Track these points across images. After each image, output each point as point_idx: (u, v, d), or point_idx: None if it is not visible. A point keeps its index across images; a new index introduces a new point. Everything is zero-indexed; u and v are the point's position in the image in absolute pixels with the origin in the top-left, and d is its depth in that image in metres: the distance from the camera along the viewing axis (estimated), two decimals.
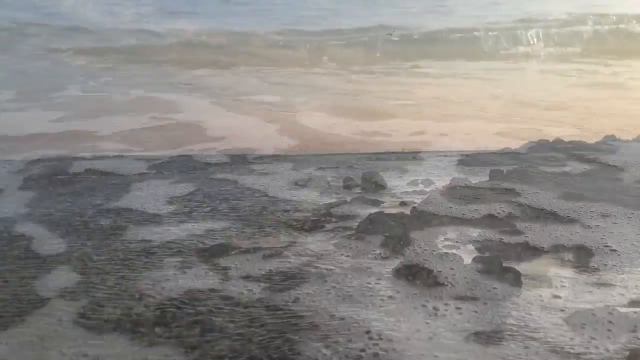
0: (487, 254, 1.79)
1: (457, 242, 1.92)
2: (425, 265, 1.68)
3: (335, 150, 3.31)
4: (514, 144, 3.41)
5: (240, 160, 3.00)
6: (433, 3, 12.63)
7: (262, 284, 1.59)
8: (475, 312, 1.47)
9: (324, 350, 1.28)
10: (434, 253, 1.78)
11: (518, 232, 1.98)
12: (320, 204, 2.31)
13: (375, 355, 1.27)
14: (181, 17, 10.65)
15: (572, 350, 1.32)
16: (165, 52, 7.93)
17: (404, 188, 2.53)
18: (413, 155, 3.10)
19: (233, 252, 1.82)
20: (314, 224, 2.09)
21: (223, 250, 1.83)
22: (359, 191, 2.49)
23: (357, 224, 2.06)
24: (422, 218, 2.09)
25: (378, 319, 1.43)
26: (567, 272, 1.72)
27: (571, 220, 2.06)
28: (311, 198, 2.39)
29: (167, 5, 11.80)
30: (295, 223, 2.10)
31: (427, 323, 1.41)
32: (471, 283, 1.60)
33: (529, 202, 2.24)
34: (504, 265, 1.69)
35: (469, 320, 1.43)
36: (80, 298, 1.51)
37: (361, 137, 3.70)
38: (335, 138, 3.66)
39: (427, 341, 1.33)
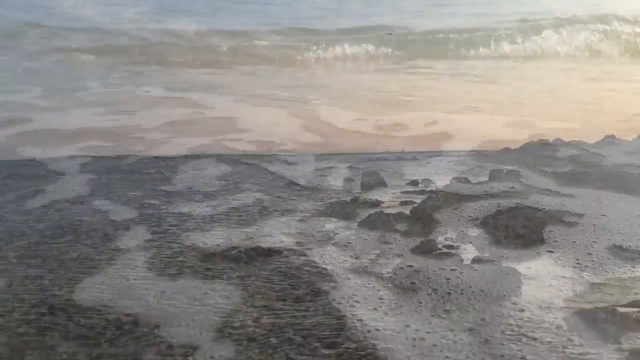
0: None
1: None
2: None
3: (356, 141, 3.55)
4: (518, 136, 3.51)
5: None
6: (434, 2, 12.67)
7: None
8: None
9: None
10: None
11: None
12: (319, 205, 2.32)
13: None
14: (181, 17, 10.66)
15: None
16: (167, 51, 7.95)
17: (404, 188, 2.53)
18: (413, 156, 3.10)
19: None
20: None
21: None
22: (359, 191, 2.49)
23: (357, 223, 2.06)
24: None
25: None
26: (568, 272, 1.72)
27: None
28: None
29: (166, 5, 11.82)
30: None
31: None
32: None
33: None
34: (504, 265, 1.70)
35: None
36: (152, 249, 1.84)
37: (379, 131, 3.88)
38: (356, 131, 3.88)
39: None
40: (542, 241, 1.90)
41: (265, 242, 1.94)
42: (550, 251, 1.84)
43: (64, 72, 6.70)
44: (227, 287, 1.59)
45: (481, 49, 8.41)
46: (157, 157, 3.11)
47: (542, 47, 8.50)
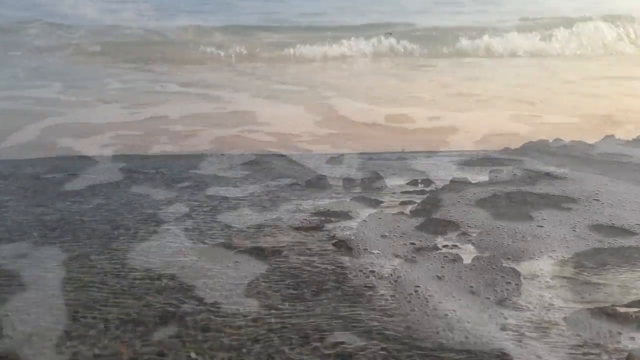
0: None
1: None
2: None
3: (367, 131, 3.78)
4: (519, 129, 3.66)
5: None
6: (437, 0, 12.71)
7: None
8: None
9: None
10: None
11: None
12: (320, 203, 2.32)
13: None
14: (182, 14, 10.69)
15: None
16: (173, 49, 7.96)
17: (403, 188, 2.53)
18: (413, 155, 3.11)
19: None
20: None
21: None
22: (359, 191, 2.49)
23: (357, 223, 2.07)
24: None
25: None
26: (568, 271, 1.72)
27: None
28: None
29: (166, 3, 11.85)
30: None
31: None
32: None
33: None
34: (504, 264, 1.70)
35: None
36: (188, 220, 2.14)
37: (388, 122, 4.11)
38: (368, 121, 4.11)
39: None
40: (531, 218, 2.04)
41: (265, 242, 1.94)
42: (540, 226, 1.99)
43: (77, 69, 6.79)
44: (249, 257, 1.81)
45: (483, 47, 8.40)
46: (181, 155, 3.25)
47: (545, 45, 8.48)
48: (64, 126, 3.90)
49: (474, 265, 1.72)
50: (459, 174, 2.65)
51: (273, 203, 2.34)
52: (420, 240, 1.92)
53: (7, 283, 1.61)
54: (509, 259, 1.80)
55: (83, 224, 2.10)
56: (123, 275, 1.67)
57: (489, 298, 1.53)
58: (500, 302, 1.50)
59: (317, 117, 4.19)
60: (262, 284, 1.64)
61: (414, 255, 1.81)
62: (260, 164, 2.93)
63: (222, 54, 7.84)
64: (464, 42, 8.42)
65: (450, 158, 3.06)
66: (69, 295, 1.54)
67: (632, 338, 1.38)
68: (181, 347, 1.30)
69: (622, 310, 1.48)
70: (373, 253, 1.86)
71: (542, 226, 1.99)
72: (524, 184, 2.46)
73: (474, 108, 4.59)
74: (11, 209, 2.26)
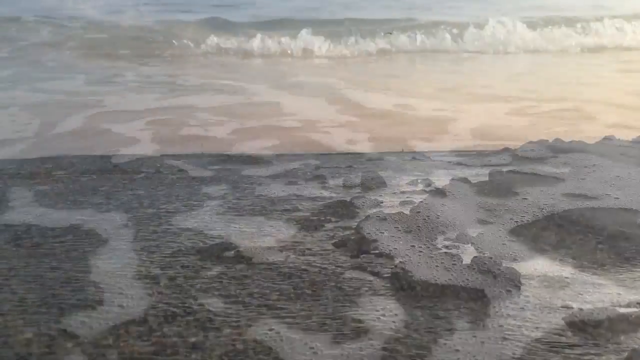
0: None
1: None
2: None
3: (382, 119, 4.09)
4: (519, 123, 3.88)
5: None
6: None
7: None
8: None
9: None
10: None
11: None
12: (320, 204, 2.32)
13: None
14: (180, 14, 10.70)
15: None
16: (179, 44, 7.98)
17: (403, 188, 2.53)
18: (413, 155, 3.10)
19: None
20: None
21: None
22: (359, 191, 2.49)
23: (356, 223, 2.07)
24: None
25: None
26: (568, 271, 1.73)
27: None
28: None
29: (165, 2, 11.85)
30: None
31: None
32: None
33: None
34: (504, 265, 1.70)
35: None
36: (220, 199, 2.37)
37: (397, 109, 4.41)
38: (382, 110, 4.40)
39: None
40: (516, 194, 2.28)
41: (264, 242, 1.94)
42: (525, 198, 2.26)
43: (90, 62, 6.86)
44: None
45: (483, 42, 8.39)
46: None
47: (547, 42, 8.47)
48: (110, 112, 4.17)
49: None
50: (459, 174, 2.65)
51: (272, 203, 2.34)
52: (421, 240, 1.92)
53: None
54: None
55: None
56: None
57: None
58: None
59: (336, 106, 4.49)
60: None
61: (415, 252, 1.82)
62: (260, 164, 2.93)
63: (230, 48, 7.87)
64: (465, 37, 8.41)
65: (450, 158, 3.06)
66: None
67: (632, 338, 1.39)
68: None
69: (622, 310, 1.48)
70: (373, 253, 1.86)
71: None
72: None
73: (473, 100, 4.77)
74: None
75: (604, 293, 1.59)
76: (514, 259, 1.80)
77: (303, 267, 1.76)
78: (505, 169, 2.72)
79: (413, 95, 5.00)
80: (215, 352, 1.33)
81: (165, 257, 1.83)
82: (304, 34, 8.04)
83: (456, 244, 1.91)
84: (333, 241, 1.95)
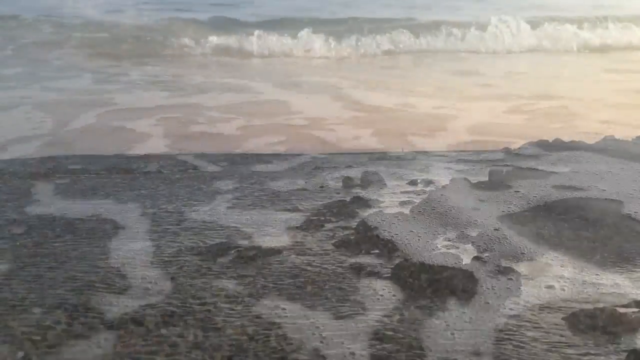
0: None
1: None
2: None
3: (385, 114, 4.26)
4: (517, 120, 4.03)
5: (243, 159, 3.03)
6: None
7: None
8: None
9: None
10: None
11: None
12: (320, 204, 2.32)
13: None
14: (179, 13, 10.69)
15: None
16: (184, 43, 7.99)
17: (403, 188, 2.53)
18: (413, 155, 3.11)
19: None
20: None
21: None
22: (359, 191, 2.49)
23: (356, 223, 2.07)
24: None
25: None
26: (567, 271, 1.73)
27: None
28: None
29: (164, 1, 11.84)
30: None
31: None
32: None
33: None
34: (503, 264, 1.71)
35: None
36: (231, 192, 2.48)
37: (400, 107, 4.53)
38: (384, 107, 4.54)
39: None
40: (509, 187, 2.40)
41: (265, 242, 1.94)
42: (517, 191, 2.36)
43: (94, 61, 6.90)
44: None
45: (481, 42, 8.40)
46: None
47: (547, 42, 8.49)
48: (121, 110, 4.28)
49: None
50: (459, 174, 2.66)
51: (272, 203, 2.34)
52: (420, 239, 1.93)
53: None
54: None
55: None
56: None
57: None
58: None
59: (339, 103, 4.65)
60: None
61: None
62: (260, 164, 2.93)
63: (231, 47, 7.89)
64: (466, 37, 8.42)
65: (450, 158, 3.06)
66: None
67: (632, 338, 1.39)
68: None
69: (622, 310, 1.48)
70: (373, 252, 1.86)
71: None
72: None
73: (472, 99, 4.90)
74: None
75: (605, 293, 1.60)
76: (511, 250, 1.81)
77: (303, 267, 1.76)
78: (505, 169, 2.73)
79: (413, 94, 5.06)
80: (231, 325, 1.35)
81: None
82: (305, 33, 8.04)
83: (456, 243, 1.92)
84: (333, 241, 1.95)
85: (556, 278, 1.68)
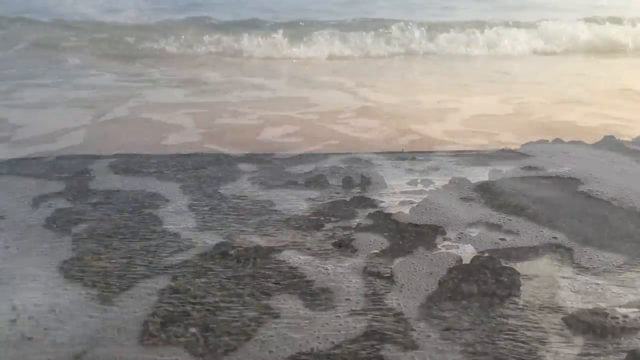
0: None
1: None
2: None
3: (392, 108, 4.46)
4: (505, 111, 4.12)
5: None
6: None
7: None
8: None
9: None
10: None
11: None
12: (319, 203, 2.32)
13: None
14: (186, 11, 10.69)
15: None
16: (193, 43, 8.03)
17: (403, 188, 2.53)
18: (413, 156, 3.10)
19: None
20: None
21: None
22: (359, 191, 2.49)
23: (356, 223, 2.07)
24: None
25: None
26: (567, 271, 1.73)
27: None
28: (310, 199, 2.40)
29: (163, 1, 11.84)
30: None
31: None
32: None
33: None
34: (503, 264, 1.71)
35: None
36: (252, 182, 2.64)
37: (405, 103, 4.69)
38: (391, 102, 4.73)
39: None
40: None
41: (264, 241, 1.94)
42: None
43: (109, 61, 7.02)
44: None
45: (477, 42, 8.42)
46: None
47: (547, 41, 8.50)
48: (151, 104, 4.55)
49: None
50: (459, 174, 2.66)
51: (272, 203, 2.34)
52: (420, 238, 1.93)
53: None
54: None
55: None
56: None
57: None
58: None
59: (349, 97, 4.92)
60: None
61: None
62: (260, 163, 2.93)
63: (235, 46, 7.92)
64: (466, 39, 8.44)
65: (450, 158, 3.06)
66: None
67: (632, 338, 1.39)
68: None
69: (622, 310, 1.48)
70: (373, 252, 1.86)
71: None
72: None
73: (472, 94, 5.11)
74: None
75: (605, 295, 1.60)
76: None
77: (303, 266, 1.76)
78: (505, 169, 2.73)
79: (417, 92, 5.18)
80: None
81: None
82: (311, 35, 8.12)
83: (456, 243, 1.92)
84: (333, 241, 1.95)
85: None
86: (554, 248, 1.89)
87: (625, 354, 1.31)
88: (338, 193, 2.46)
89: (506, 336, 1.40)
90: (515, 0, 12.87)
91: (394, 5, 12.45)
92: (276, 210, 2.25)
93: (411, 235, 1.98)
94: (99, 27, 9.08)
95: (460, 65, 7.30)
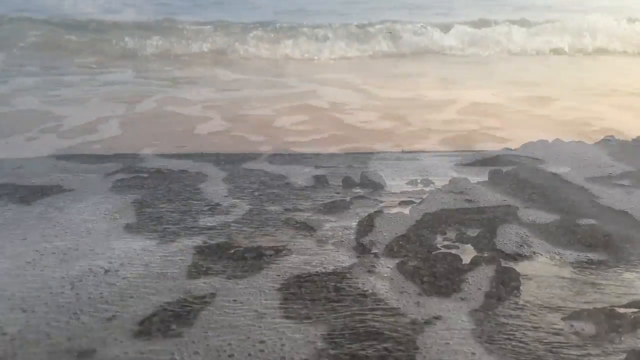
0: None
1: None
2: None
3: (395, 104, 4.73)
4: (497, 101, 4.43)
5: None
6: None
7: None
8: None
9: None
10: None
11: None
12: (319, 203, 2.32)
13: None
14: (180, 11, 10.69)
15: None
16: (198, 45, 8.09)
17: (403, 188, 2.53)
18: (413, 155, 3.11)
19: None
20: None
21: None
22: (359, 191, 2.49)
23: (356, 223, 2.07)
24: None
25: None
26: (566, 272, 1.73)
27: None
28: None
29: (163, 1, 11.84)
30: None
31: None
32: None
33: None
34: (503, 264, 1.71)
35: None
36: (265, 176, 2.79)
37: (409, 98, 4.99)
38: (393, 98, 5.01)
39: None
40: None
41: (265, 241, 1.94)
42: None
43: (121, 61, 7.17)
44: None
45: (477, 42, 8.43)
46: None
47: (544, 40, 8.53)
48: (174, 99, 4.84)
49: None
50: (459, 174, 2.66)
51: (272, 202, 2.34)
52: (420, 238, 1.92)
53: None
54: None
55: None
56: None
57: None
58: None
59: (357, 93, 5.23)
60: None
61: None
62: (260, 162, 2.93)
63: (235, 47, 7.99)
64: (467, 39, 8.46)
65: (450, 158, 3.06)
66: None
67: (632, 338, 1.39)
68: None
69: (622, 310, 1.48)
70: (373, 252, 1.86)
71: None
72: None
73: (464, 88, 5.45)
74: None
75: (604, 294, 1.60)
76: None
77: (303, 266, 1.76)
78: (505, 169, 2.73)
79: (418, 88, 5.42)
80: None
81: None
82: (317, 35, 8.19)
83: (455, 243, 1.92)
84: (333, 241, 1.95)
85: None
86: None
87: (625, 354, 1.31)
88: (338, 193, 2.46)
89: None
90: (515, 1, 12.88)
91: (397, 5, 12.46)
92: (276, 210, 2.25)
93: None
94: (101, 26, 9.07)
95: (471, 65, 7.37)
